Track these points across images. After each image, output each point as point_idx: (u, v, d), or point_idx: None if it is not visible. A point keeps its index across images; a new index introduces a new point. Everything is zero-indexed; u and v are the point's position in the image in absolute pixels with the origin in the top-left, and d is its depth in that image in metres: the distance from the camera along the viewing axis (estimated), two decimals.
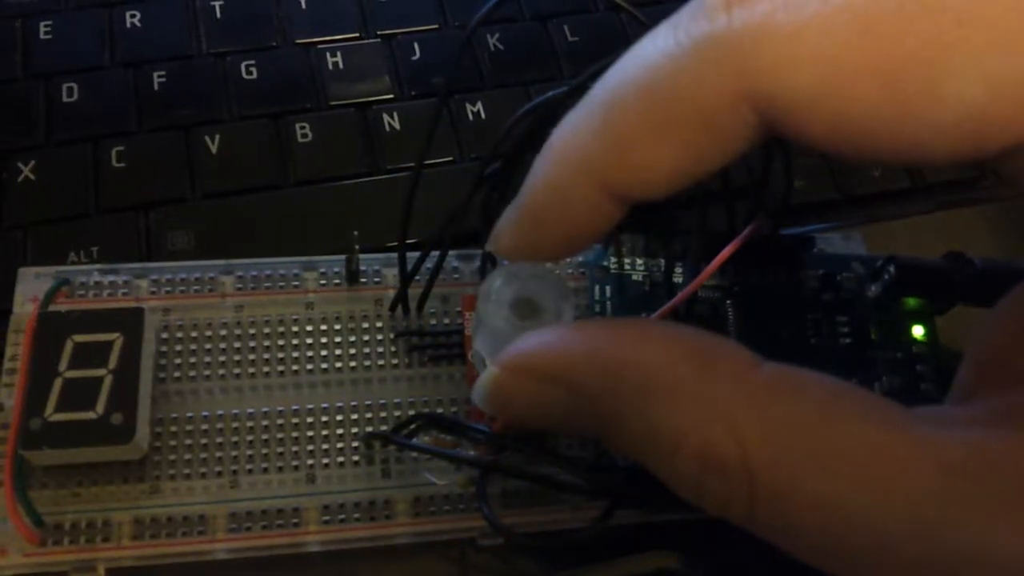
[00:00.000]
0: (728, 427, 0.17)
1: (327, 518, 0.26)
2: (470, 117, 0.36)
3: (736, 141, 0.17)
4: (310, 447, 0.27)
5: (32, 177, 0.33)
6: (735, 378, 0.18)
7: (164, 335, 0.28)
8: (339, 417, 0.27)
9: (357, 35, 0.38)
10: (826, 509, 0.17)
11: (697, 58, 0.17)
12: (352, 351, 0.28)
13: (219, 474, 0.26)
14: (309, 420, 0.27)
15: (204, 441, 0.27)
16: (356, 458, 0.27)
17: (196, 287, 0.29)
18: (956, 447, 0.17)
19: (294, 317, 0.29)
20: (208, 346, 0.28)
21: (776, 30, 0.16)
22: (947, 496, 0.16)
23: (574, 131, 0.19)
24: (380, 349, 0.28)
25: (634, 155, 0.18)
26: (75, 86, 0.35)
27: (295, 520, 0.26)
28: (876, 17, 0.15)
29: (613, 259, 0.30)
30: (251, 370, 0.28)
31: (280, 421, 0.27)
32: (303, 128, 0.35)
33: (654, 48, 0.17)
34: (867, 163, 0.17)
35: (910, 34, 0.15)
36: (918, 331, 0.29)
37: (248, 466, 0.27)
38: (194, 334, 0.28)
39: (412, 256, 0.28)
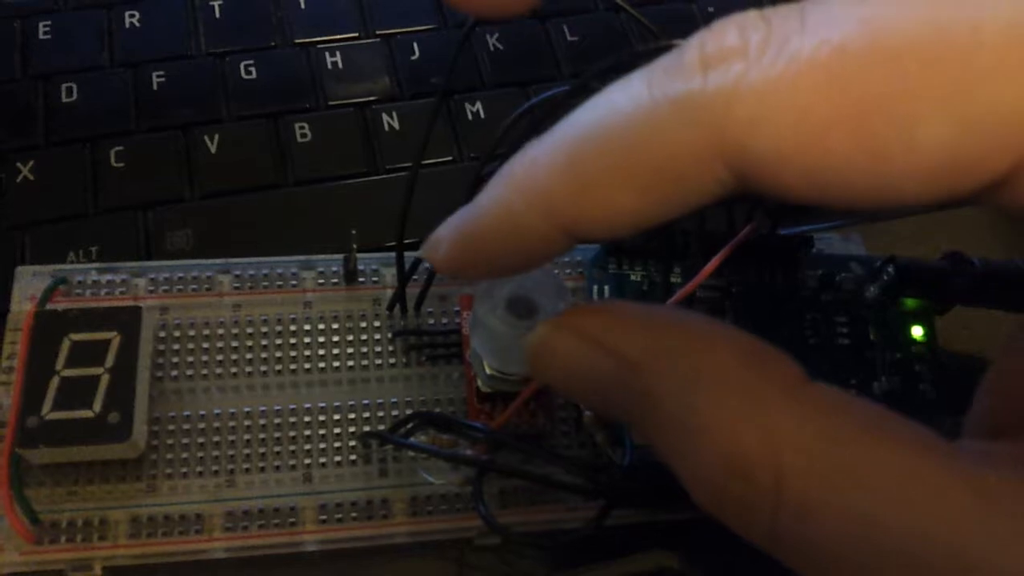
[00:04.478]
0: (763, 430, 0.17)
1: (324, 517, 0.26)
2: (469, 117, 0.36)
3: (704, 195, 0.17)
4: (307, 446, 0.27)
5: (31, 177, 0.33)
6: (781, 386, 0.18)
7: (162, 334, 0.28)
8: (336, 416, 0.27)
9: (356, 35, 0.38)
10: (856, 527, 0.16)
11: (671, 115, 0.17)
12: (350, 350, 0.28)
13: (216, 473, 0.26)
14: (306, 419, 0.27)
15: (201, 440, 0.27)
16: (353, 457, 0.27)
17: (194, 286, 0.29)
18: (1000, 480, 0.16)
19: (292, 316, 0.29)
20: (205, 345, 0.28)
21: (748, 89, 0.16)
22: (986, 524, 0.16)
23: (536, 164, 0.18)
24: (378, 348, 0.28)
25: (597, 201, 0.18)
26: (74, 86, 0.35)
27: (292, 519, 0.26)
28: (842, 68, 0.15)
29: (612, 258, 0.30)
30: (248, 369, 0.28)
31: (277, 420, 0.27)
32: (302, 128, 0.35)
33: (628, 99, 0.17)
34: (843, 209, 0.17)
35: (876, 82, 0.15)
36: (917, 332, 0.29)
37: (245, 465, 0.27)
38: (192, 333, 0.28)
39: (410, 256, 0.28)
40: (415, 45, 0.38)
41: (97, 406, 0.25)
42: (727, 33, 0.16)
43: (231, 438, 0.27)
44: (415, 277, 0.28)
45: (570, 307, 0.23)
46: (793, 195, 0.16)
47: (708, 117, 0.16)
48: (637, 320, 0.20)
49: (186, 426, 0.27)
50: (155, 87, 0.35)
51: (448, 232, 0.21)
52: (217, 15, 0.38)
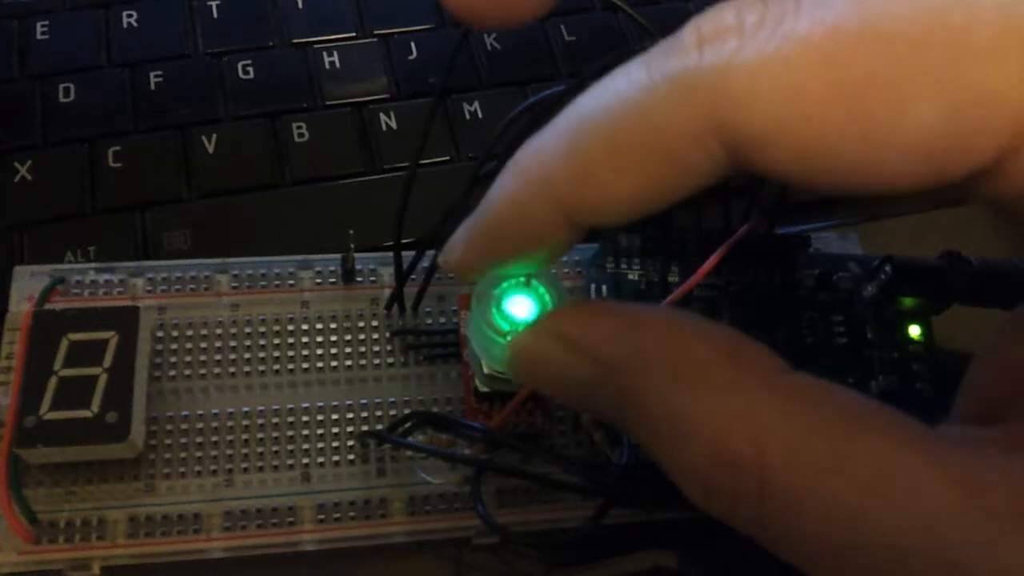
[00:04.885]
0: (747, 423, 0.17)
1: (322, 517, 0.26)
2: (467, 116, 0.36)
3: (699, 176, 0.17)
4: (305, 446, 0.27)
5: (29, 177, 0.33)
6: (761, 378, 0.18)
7: (159, 333, 0.28)
8: (334, 416, 0.27)
9: (354, 35, 0.38)
10: (839, 518, 0.16)
11: (667, 93, 0.17)
12: (348, 350, 0.28)
13: (214, 472, 0.26)
14: (304, 419, 0.27)
15: (199, 439, 0.27)
16: (351, 457, 0.27)
17: (192, 286, 0.29)
18: (988, 470, 0.16)
19: (290, 316, 0.29)
20: (203, 345, 0.28)
21: (742, 66, 0.16)
22: (971, 518, 0.16)
23: (540, 150, 0.19)
24: (376, 348, 0.28)
25: (596, 182, 0.18)
26: (72, 86, 0.35)
27: (290, 519, 0.26)
28: (836, 47, 0.15)
29: (609, 258, 0.30)
30: (246, 369, 0.28)
31: (275, 420, 0.27)
32: (300, 128, 0.35)
33: (626, 81, 0.18)
34: (832, 193, 0.17)
35: (869, 62, 0.15)
36: (914, 331, 0.29)
37: (243, 465, 0.27)
38: (189, 333, 0.28)
39: (408, 255, 0.28)
40: (413, 45, 0.38)
41: (95, 406, 0.25)
42: (724, 14, 0.17)
43: (229, 438, 0.27)
44: (413, 277, 0.28)
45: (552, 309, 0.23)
46: (785, 174, 0.17)
47: (702, 94, 0.16)
48: (613, 320, 0.20)
49: (184, 426, 0.27)
50: (153, 87, 0.35)
51: (460, 234, 0.21)
52: (215, 15, 0.38)
